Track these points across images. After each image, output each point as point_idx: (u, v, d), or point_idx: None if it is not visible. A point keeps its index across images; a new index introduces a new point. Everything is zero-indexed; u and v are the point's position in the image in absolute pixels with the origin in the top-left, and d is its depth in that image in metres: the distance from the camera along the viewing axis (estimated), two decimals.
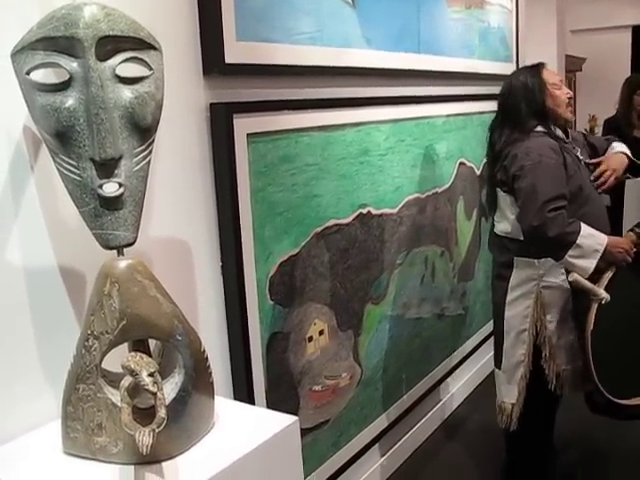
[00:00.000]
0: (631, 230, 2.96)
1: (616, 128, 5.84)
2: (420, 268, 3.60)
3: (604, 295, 2.77)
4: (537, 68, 3.07)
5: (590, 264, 2.78)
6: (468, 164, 4.12)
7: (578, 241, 2.75)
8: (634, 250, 2.87)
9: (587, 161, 3.09)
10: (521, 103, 3.00)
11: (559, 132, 3.02)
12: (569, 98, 3.04)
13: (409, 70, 3.34)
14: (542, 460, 3.33)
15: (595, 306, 2.79)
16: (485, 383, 4.43)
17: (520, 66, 4.64)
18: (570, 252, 2.76)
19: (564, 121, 3.05)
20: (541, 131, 2.96)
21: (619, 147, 3.20)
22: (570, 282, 2.83)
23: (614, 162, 3.09)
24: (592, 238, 2.78)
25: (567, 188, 2.85)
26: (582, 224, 2.79)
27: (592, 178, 3.02)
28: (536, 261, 2.98)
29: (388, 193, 3.22)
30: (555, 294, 2.99)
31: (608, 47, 9.30)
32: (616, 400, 2.89)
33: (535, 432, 3.27)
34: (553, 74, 3.09)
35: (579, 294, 2.88)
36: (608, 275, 2.84)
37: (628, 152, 3.17)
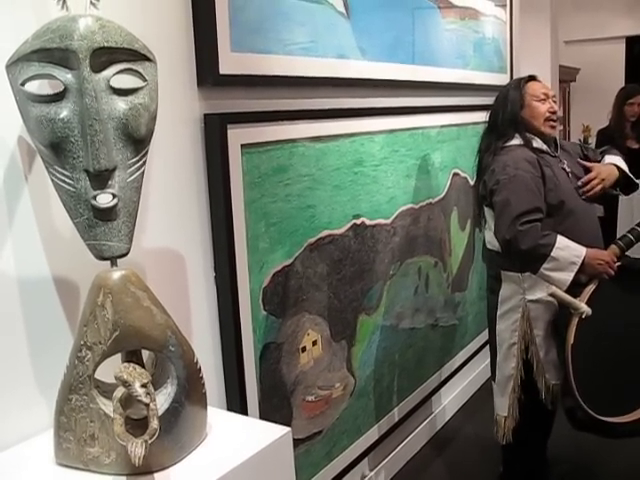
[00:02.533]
0: (614, 243, 2.92)
1: (609, 138, 5.86)
2: (414, 279, 3.61)
3: (585, 309, 2.73)
4: (523, 79, 3.09)
5: (567, 276, 2.76)
6: (462, 175, 4.13)
7: (553, 253, 2.74)
8: (617, 263, 2.84)
9: (580, 161, 3.08)
10: (500, 112, 3.04)
11: (540, 143, 3.00)
12: (551, 113, 3.01)
13: (403, 81, 3.35)
14: (536, 473, 3.33)
15: (575, 320, 2.76)
16: (478, 394, 4.43)
17: (514, 77, 4.70)
18: (545, 265, 2.75)
19: (541, 134, 3.02)
20: (519, 144, 2.97)
21: (612, 159, 3.18)
22: (549, 295, 2.82)
23: (605, 172, 3.05)
24: (569, 250, 2.76)
25: (543, 202, 2.85)
26: (559, 236, 2.78)
27: (579, 184, 3.00)
28: (519, 275, 2.98)
29: (382, 204, 3.22)
30: (541, 308, 2.98)
31: (602, 58, 9.33)
32: (600, 417, 2.83)
33: (530, 445, 3.26)
34: (541, 86, 3.07)
35: (562, 308, 2.87)
36: (590, 288, 2.81)
37: (622, 165, 3.15)
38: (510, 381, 3.09)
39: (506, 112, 3.01)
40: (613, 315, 2.86)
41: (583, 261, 2.76)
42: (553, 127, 3.05)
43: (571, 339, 2.76)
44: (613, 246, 2.90)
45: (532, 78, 3.11)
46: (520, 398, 3.08)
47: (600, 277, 2.82)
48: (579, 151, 3.26)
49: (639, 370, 2.95)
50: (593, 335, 2.79)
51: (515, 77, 4.70)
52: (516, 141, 2.98)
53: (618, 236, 3.03)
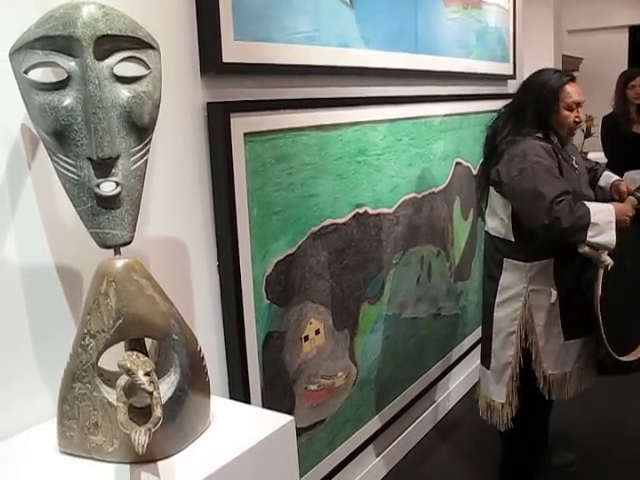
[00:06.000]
0: (632, 194, 3.00)
1: (614, 125, 5.84)
2: (416, 268, 3.61)
3: (609, 260, 2.79)
4: (564, 79, 2.98)
5: (611, 235, 2.76)
6: (465, 164, 4.12)
7: (592, 219, 2.74)
8: (633, 213, 2.91)
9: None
10: (530, 107, 2.96)
11: (555, 140, 2.98)
12: (576, 123, 2.99)
13: (406, 70, 3.35)
14: (537, 461, 3.33)
15: (601, 272, 2.83)
16: None
17: (517, 66, 4.69)
18: (589, 233, 2.75)
19: (562, 141, 3.01)
20: (538, 136, 2.94)
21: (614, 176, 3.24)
22: (581, 253, 2.80)
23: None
24: (602, 212, 2.78)
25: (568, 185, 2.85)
26: (587, 203, 2.79)
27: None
28: (525, 264, 2.99)
29: (385, 193, 3.22)
30: (543, 297, 2.99)
31: (605, 47, 9.32)
32: (620, 358, 2.96)
33: (530, 433, 3.27)
34: (576, 93, 2.97)
35: (588, 267, 2.90)
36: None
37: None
38: (507, 369, 3.09)
39: (536, 112, 2.95)
40: (624, 259, 2.93)
41: (615, 217, 2.79)
42: (573, 134, 3.07)
43: (599, 291, 2.83)
44: (631, 197, 2.98)
45: (572, 79, 3.02)
46: (519, 386, 3.09)
47: (623, 229, 2.84)
48: (578, 152, 3.26)
49: None
50: (609, 282, 2.87)
51: (518, 67, 4.72)
52: (537, 134, 2.95)
53: None
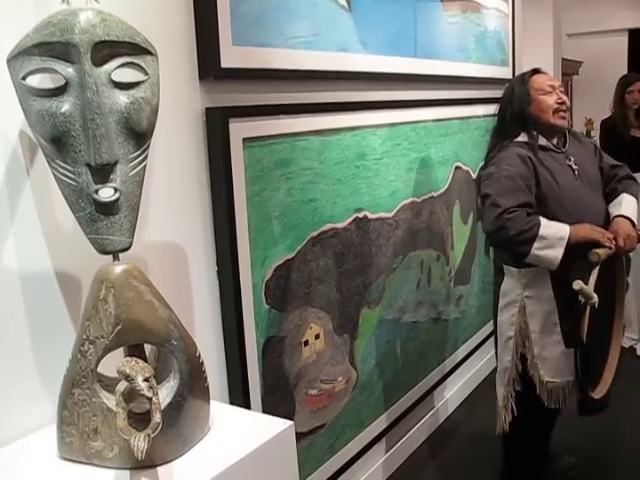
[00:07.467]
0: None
1: (613, 129, 5.85)
2: (416, 272, 3.60)
3: (596, 298, 2.70)
4: (527, 73, 3.06)
5: (558, 253, 2.72)
6: (464, 168, 4.12)
7: (541, 232, 2.71)
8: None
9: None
10: (506, 110, 3.01)
11: (544, 141, 2.96)
12: (560, 104, 2.96)
13: (405, 74, 3.35)
14: (538, 466, 3.33)
15: (588, 311, 2.73)
16: (480, 388, 4.43)
17: (516, 70, 4.70)
18: (536, 244, 2.72)
19: (552, 127, 2.98)
20: (521, 141, 2.94)
21: (626, 204, 3.02)
22: (575, 289, 2.70)
23: (622, 229, 2.89)
24: (554, 227, 2.74)
25: (531, 197, 2.81)
26: (541, 217, 2.75)
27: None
28: (519, 270, 2.97)
29: (384, 197, 3.22)
30: (537, 304, 2.97)
31: (605, 50, 9.31)
32: (596, 397, 2.89)
33: (530, 438, 3.27)
34: (546, 78, 3.03)
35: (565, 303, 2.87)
36: (594, 274, 2.75)
37: (632, 215, 3.00)
38: (506, 373, 3.09)
39: (513, 110, 2.97)
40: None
41: (570, 234, 2.73)
42: (563, 118, 3.00)
43: (585, 331, 2.72)
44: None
45: (536, 71, 3.06)
46: (517, 392, 3.07)
47: (604, 245, 2.75)
48: (593, 150, 3.21)
49: (601, 343, 3.01)
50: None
51: (518, 70, 4.71)
52: (521, 138, 2.95)
53: None
